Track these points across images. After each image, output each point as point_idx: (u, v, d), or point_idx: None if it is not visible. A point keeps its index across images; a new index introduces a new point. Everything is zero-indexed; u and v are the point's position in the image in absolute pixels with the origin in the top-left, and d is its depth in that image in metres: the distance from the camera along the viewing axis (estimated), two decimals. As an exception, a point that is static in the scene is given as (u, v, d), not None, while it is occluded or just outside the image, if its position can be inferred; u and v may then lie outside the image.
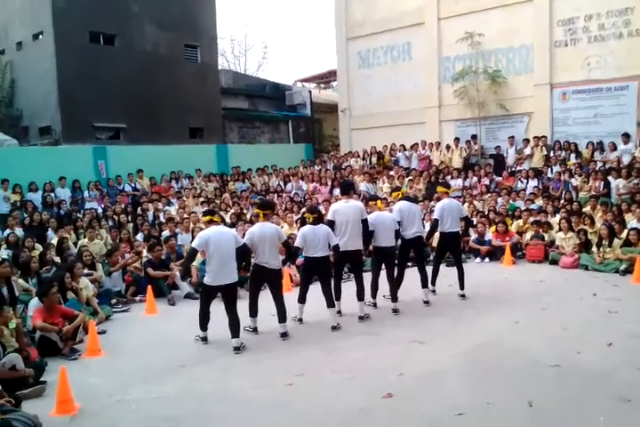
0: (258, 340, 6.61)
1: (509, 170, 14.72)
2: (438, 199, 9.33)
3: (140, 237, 10.73)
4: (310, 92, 24.74)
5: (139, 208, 13.03)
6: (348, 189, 7.65)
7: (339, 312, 7.29)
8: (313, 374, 5.49)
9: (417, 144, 16.81)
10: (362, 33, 19.43)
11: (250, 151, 19.37)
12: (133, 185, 15.15)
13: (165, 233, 10.61)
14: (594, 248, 9.59)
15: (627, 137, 13.65)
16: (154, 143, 16.69)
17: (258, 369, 5.71)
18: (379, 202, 7.70)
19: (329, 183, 15.28)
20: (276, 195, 14.86)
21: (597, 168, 12.90)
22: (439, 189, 8.56)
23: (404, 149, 16.92)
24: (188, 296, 8.88)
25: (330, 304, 6.92)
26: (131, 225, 11.57)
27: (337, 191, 14.28)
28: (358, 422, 4.48)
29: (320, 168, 17.65)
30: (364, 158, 17.40)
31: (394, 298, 7.53)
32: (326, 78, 29.21)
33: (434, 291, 8.26)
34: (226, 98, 21.30)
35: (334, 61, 20.83)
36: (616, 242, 9.36)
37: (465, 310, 7.52)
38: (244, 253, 6.47)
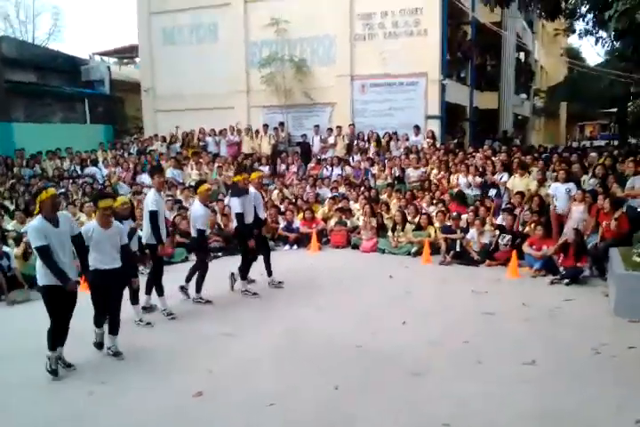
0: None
1: (316, 158, 15.23)
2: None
3: None
4: (109, 67, 22.92)
5: None
6: (152, 173, 7.31)
7: (146, 308, 6.93)
8: (114, 379, 5.11)
9: (225, 130, 16.57)
10: (166, 8, 18.42)
11: (39, 131, 17.37)
12: None
13: None
14: (389, 233, 10.40)
15: (417, 129, 15.02)
16: None
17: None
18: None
19: (131, 168, 14.34)
20: (70, 181, 13.52)
21: (392, 157, 13.91)
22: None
23: (214, 134, 16.58)
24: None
25: (132, 302, 6.52)
26: None
27: (142, 177, 13.52)
28: (172, 423, 4.33)
29: (122, 152, 16.49)
30: (170, 142, 16.62)
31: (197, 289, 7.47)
32: (128, 53, 27.28)
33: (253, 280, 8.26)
34: (9, 69, 18.73)
35: (136, 36, 19.52)
36: (408, 227, 10.27)
37: (272, 297, 7.61)
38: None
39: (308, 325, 6.47)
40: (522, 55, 26.77)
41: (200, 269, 7.41)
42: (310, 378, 5.03)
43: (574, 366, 5.16)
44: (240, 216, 7.53)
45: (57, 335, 5.23)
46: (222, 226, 10.79)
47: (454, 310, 6.88)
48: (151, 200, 6.69)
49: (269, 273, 8.12)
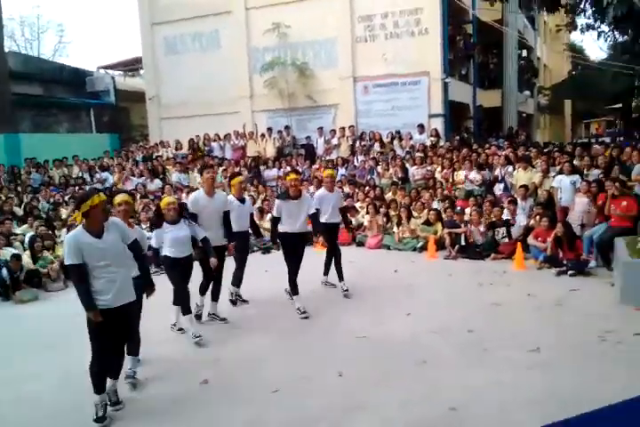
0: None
1: (321, 159, 15.26)
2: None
3: None
4: (114, 78, 23.17)
5: None
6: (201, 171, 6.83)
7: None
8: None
9: (230, 134, 16.66)
10: (168, 18, 18.60)
11: (46, 141, 17.53)
12: None
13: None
14: (394, 229, 10.40)
15: (421, 128, 15.02)
16: None
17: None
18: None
19: (136, 173, 14.44)
20: (77, 187, 13.64)
21: (396, 156, 13.91)
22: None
23: (219, 139, 16.69)
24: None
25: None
26: None
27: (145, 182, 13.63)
28: (174, 410, 4.38)
29: (127, 159, 16.62)
30: (176, 148, 16.75)
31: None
32: (132, 65, 27.57)
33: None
34: (16, 83, 18.97)
35: (140, 47, 19.74)
36: (413, 221, 10.28)
37: (278, 295, 7.52)
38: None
39: (312, 318, 6.49)
40: (524, 53, 26.77)
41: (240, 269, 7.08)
42: (314, 366, 5.06)
43: (580, 353, 5.12)
44: (274, 220, 6.82)
45: (102, 375, 4.28)
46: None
47: (459, 302, 6.87)
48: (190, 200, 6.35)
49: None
